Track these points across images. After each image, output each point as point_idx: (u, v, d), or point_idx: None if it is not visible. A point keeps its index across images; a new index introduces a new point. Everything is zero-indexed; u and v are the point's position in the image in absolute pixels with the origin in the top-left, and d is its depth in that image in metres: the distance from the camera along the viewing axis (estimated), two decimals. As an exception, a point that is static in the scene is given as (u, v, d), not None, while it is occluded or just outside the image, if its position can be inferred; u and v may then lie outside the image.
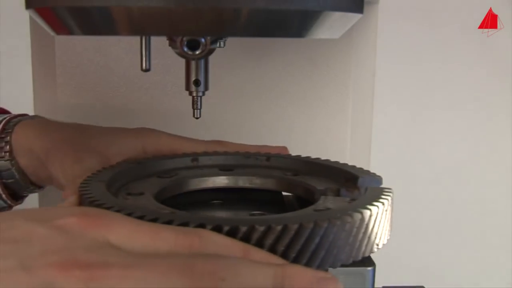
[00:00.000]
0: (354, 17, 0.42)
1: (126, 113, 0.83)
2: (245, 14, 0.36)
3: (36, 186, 0.59)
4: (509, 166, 0.85)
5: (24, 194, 0.61)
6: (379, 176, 0.48)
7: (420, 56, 0.80)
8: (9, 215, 0.33)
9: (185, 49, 0.47)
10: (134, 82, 0.82)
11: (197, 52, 0.48)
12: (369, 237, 0.39)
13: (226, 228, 0.34)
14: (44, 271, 0.28)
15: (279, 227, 0.35)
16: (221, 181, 0.52)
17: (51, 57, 0.80)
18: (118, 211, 0.37)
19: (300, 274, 0.31)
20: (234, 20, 0.37)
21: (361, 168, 0.50)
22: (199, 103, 0.56)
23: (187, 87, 0.55)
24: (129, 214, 0.35)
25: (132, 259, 0.30)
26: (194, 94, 0.55)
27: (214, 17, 0.36)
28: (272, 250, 0.35)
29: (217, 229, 0.34)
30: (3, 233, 0.30)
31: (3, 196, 0.57)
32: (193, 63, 0.54)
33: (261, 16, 0.36)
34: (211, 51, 0.50)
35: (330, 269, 0.37)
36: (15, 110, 0.72)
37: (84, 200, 0.41)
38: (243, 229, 0.34)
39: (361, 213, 0.37)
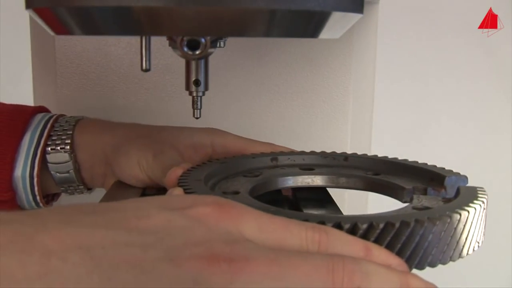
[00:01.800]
0: (354, 17, 0.42)
1: (126, 113, 0.83)
2: (245, 14, 0.36)
3: (84, 187, 0.60)
4: (509, 166, 0.85)
5: (67, 192, 0.61)
6: (464, 175, 0.48)
7: (420, 56, 0.80)
8: (140, 203, 0.32)
9: (185, 49, 0.47)
10: (134, 82, 0.82)
11: (197, 52, 0.48)
12: (472, 235, 0.40)
13: (346, 226, 0.35)
14: (190, 263, 0.28)
15: (385, 225, 0.36)
16: (307, 180, 0.53)
17: (51, 57, 0.80)
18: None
19: (419, 285, 0.32)
20: (234, 20, 0.37)
21: (443, 167, 0.50)
22: (199, 103, 0.56)
23: (187, 87, 0.55)
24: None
25: (274, 254, 0.30)
26: (194, 94, 0.55)
27: (214, 17, 0.36)
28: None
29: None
30: (141, 222, 0.29)
31: (38, 197, 0.57)
32: (193, 63, 0.54)
33: (261, 16, 0.36)
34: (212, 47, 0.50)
35: None
36: (15, 110, 0.72)
37: None
38: (347, 226, 0.35)
39: (468, 211, 0.39)
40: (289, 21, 0.37)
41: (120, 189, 0.58)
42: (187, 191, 0.43)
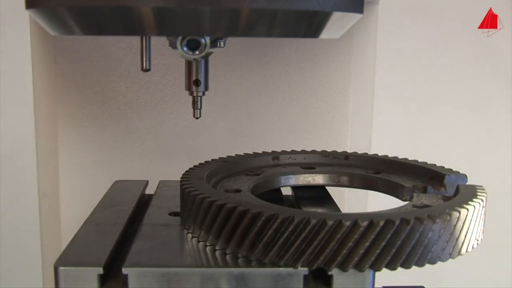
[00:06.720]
0: (354, 17, 0.42)
1: (126, 113, 0.83)
2: (245, 14, 0.36)
3: None
4: (509, 166, 0.85)
5: None
6: (463, 173, 0.48)
7: (420, 56, 0.80)
8: None
9: (185, 49, 0.47)
10: (134, 82, 0.82)
11: (197, 52, 0.48)
12: (471, 233, 0.40)
13: (347, 223, 0.36)
14: None
15: (385, 222, 0.36)
16: (308, 179, 0.54)
17: (51, 57, 0.80)
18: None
19: None
20: (235, 20, 0.37)
21: (442, 166, 0.51)
22: (199, 103, 0.56)
23: (187, 87, 0.55)
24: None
25: None
26: (194, 94, 0.55)
27: (214, 17, 0.36)
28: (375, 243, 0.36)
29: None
30: None
31: None
32: (193, 63, 0.54)
33: (261, 16, 0.36)
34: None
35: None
36: (15, 110, 0.72)
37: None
38: (347, 223, 0.36)
39: (467, 209, 0.39)
40: (289, 21, 0.37)
41: (120, 190, 0.58)
42: (189, 190, 0.43)
